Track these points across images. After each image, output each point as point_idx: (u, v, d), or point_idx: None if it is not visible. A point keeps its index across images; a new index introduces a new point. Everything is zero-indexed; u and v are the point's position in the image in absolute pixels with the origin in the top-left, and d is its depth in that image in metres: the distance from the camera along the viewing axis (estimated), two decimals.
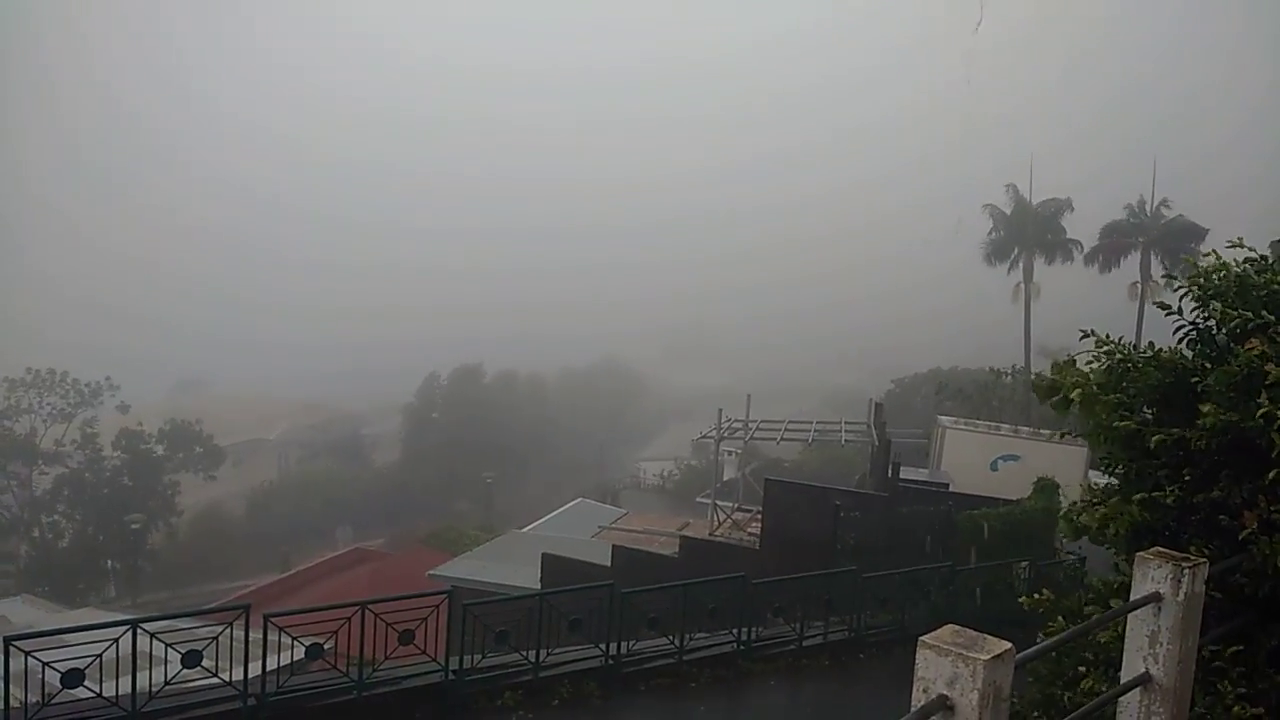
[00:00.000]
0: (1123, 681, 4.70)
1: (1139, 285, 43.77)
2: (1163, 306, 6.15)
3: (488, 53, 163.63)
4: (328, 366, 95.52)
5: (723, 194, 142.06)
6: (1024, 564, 15.11)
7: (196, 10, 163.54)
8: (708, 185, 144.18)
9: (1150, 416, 5.91)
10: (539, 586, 18.10)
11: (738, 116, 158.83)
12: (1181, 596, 4.50)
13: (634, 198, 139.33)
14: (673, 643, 11.86)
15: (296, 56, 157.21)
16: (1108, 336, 6.24)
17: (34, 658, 8.14)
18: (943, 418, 32.62)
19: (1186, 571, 4.52)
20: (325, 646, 9.85)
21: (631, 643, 11.61)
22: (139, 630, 8.62)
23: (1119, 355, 6.08)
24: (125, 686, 8.59)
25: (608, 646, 11.36)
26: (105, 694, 8.58)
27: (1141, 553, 4.70)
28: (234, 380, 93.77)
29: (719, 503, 28.70)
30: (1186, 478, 5.70)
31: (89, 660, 8.25)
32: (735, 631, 12.50)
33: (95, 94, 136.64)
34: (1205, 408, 5.48)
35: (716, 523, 27.71)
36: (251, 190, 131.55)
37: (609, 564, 19.37)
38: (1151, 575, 4.58)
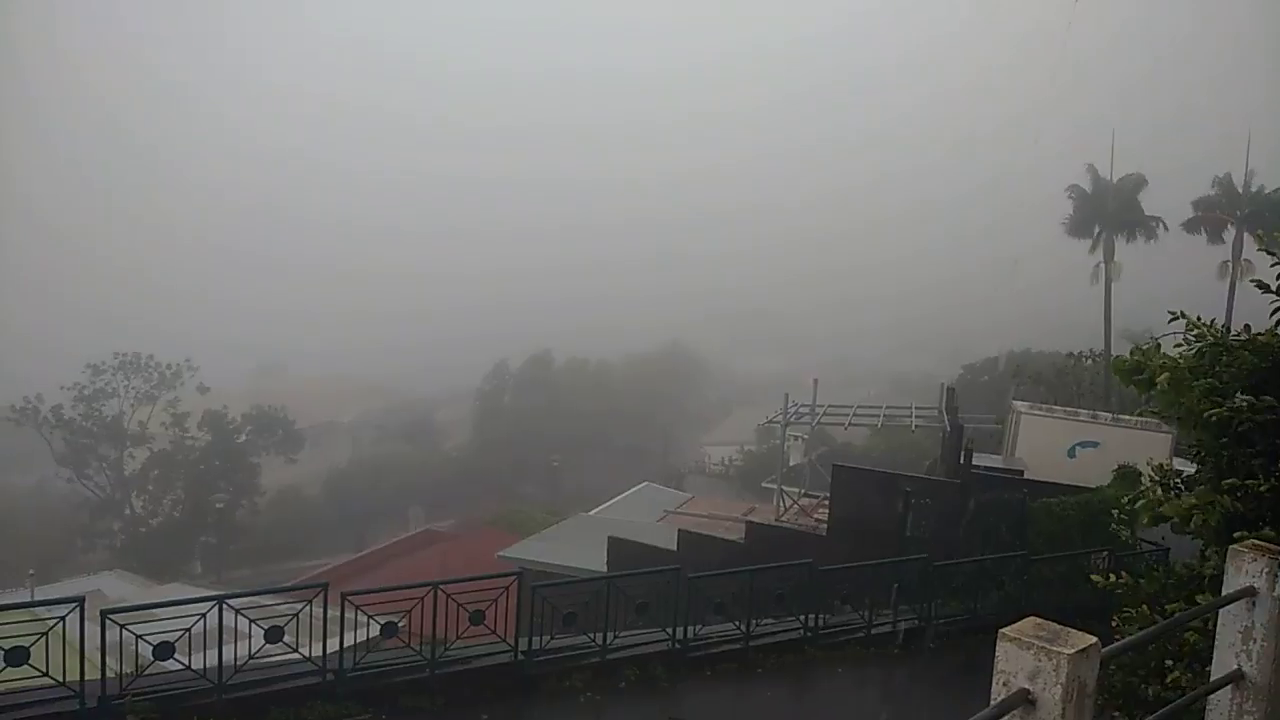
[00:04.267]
0: (1213, 678, 4.51)
1: (1229, 264, 41.75)
2: (1260, 285, 5.83)
3: (530, 56, 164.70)
4: (398, 365, 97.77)
5: (789, 183, 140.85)
6: (1103, 554, 14.63)
7: (197, 17, 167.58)
8: (775, 175, 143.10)
9: (1244, 403, 5.63)
10: (605, 569, 18.25)
11: (804, 104, 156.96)
12: (1278, 591, 4.29)
13: (701, 191, 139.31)
14: (739, 628, 11.84)
15: (334, 72, 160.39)
16: (1199, 319, 5.97)
17: (128, 630, 8.52)
18: (1018, 403, 31.70)
19: None
20: (399, 625, 10.09)
21: (698, 627, 11.62)
22: (225, 606, 8.95)
23: (1211, 338, 5.80)
24: (212, 660, 8.93)
25: (674, 630, 11.39)
26: (193, 666, 8.95)
27: (1235, 545, 4.49)
28: (310, 371, 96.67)
29: (785, 488, 28.48)
30: None
31: (178, 634, 8.61)
32: (802, 618, 12.42)
33: (88, 105, 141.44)
34: None
35: (783, 508, 27.51)
36: (303, 208, 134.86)
37: (674, 548, 19.42)
38: (1246, 569, 4.37)
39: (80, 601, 8.37)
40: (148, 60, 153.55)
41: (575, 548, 23.69)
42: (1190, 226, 43.44)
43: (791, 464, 31.62)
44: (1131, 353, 6.24)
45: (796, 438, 32.13)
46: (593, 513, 32.48)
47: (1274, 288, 5.77)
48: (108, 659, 8.47)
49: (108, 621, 8.39)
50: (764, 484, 37.04)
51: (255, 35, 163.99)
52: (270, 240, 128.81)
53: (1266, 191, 41.94)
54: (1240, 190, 42.53)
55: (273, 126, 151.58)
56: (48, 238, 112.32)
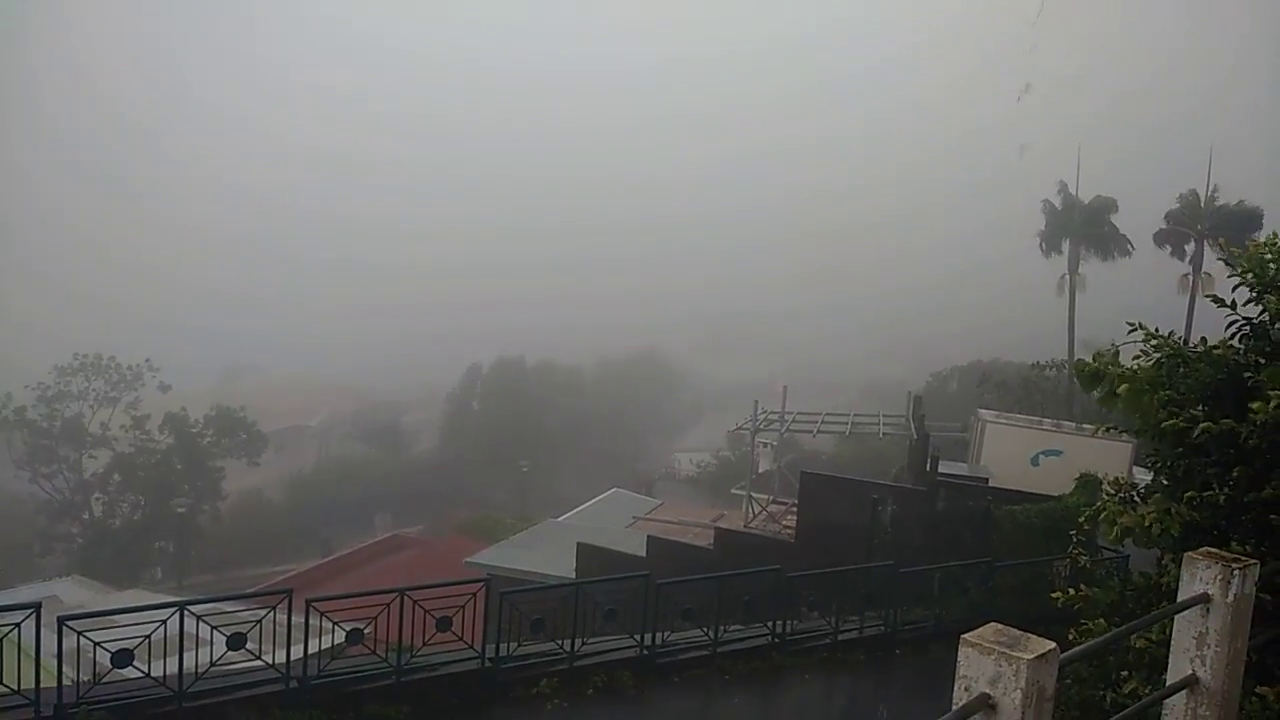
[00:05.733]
0: (1169, 683, 4.61)
1: (1189, 277, 42.66)
2: (1216, 300, 5.99)
3: (513, 54, 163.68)
4: (369, 361, 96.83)
5: (761, 187, 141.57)
6: (1065, 561, 14.86)
7: (204, 18, 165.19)
8: (747, 178, 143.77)
9: (1200, 414, 5.77)
10: (574, 576, 18.22)
11: (782, 108, 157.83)
12: (1231, 598, 4.40)
13: (673, 194, 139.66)
14: (707, 634, 11.87)
15: (319, 64, 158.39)
16: (1156, 330, 6.10)
17: (85, 637, 8.36)
18: (983, 411, 32.19)
19: (1237, 572, 4.41)
20: (365, 631, 10.01)
21: (666, 634, 11.64)
22: (186, 612, 8.82)
23: (1168, 350, 5.94)
24: (172, 667, 8.80)
25: (642, 637, 11.40)
26: (153, 674, 8.79)
27: (1190, 553, 4.59)
28: (277, 371, 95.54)
29: (754, 494, 28.63)
30: (1237, 476, 5.56)
31: (138, 641, 8.47)
32: (770, 624, 12.47)
33: (100, 100, 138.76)
34: (1257, 404, 5.33)
35: (751, 515, 27.64)
36: (275, 197, 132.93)
37: (644, 554, 19.41)
38: (1200, 576, 4.47)
39: (36, 607, 8.20)
40: (152, 50, 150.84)
41: (544, 554, 23.60)
42: (1158, 239, 44.39)
43: (760, 471, 31.79)
44: (1094, 357, 6.36)
45: (766, 444, 32.33)
46: (562, 519, 32.40)
47: (1229, 302, 5.92)
48: (65, 666, 8.31)
49: (65, 628, 8.23)
50: (733, 490, 37.17)
51: (250, 22, 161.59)
52: (252, 230, 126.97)
53: (1229, 205, 42.88)
54: (1202, 205, 43.49)
55: (263, 114, 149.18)
56: (52, 227, 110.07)
